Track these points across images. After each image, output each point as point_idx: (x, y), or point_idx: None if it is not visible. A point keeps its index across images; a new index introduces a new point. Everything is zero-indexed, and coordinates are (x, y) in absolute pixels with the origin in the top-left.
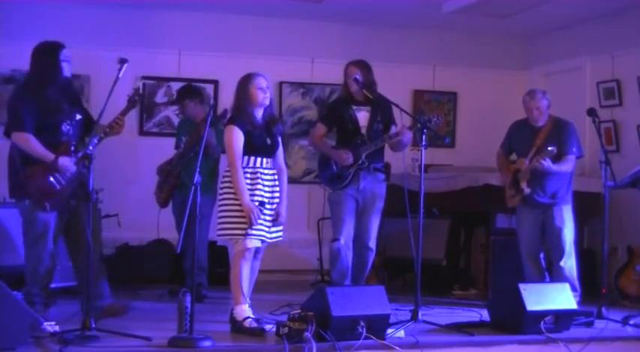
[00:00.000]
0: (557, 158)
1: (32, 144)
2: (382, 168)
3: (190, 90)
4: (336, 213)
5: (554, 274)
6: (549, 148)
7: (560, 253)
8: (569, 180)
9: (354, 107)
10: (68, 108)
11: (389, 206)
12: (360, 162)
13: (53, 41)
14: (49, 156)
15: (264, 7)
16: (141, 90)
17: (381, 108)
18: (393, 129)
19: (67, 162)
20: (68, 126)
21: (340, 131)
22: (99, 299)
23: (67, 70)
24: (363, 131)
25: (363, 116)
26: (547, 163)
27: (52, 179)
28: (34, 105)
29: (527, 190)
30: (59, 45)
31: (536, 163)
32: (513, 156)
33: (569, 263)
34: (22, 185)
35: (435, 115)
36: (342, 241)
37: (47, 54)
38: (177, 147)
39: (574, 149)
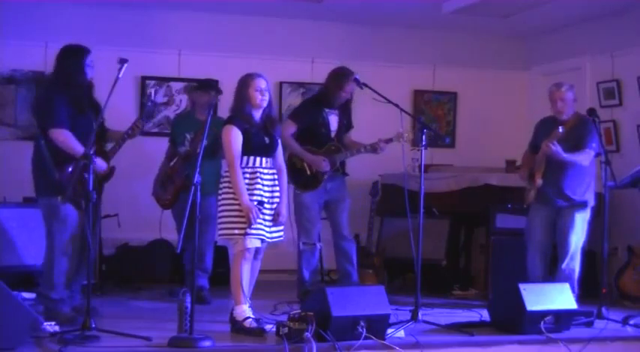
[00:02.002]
0: (574, 150)
1: (71, 142)
2: (343, 168)
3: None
4: (308, 217)
5: (556, 274)
6: (558, 129)
7: (564, 254)
8: (588, 179)
9: (327, 110)
10: (94, 109)
11: (389, 206)
12: (335, 168)
13: (80, 45)
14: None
15: (264, 7)
16: (153, 97)
17: (346, 113)
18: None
19: (101, 163)
20: (95, 127)
21: (310, 133)
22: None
23: (89, 74)
24: (333, 135)
25: (334, 120)
26: (556, 148)
27: (86, 177)
28: (67, 103)
29: (538, 182)
30: (85, 49)
31: (545, 147)
32: None
33: (571, 265)
34: (55, 182)
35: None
36: (317, 244)
37: (73, 56)
38: (174, 142)
39: (593, 144)
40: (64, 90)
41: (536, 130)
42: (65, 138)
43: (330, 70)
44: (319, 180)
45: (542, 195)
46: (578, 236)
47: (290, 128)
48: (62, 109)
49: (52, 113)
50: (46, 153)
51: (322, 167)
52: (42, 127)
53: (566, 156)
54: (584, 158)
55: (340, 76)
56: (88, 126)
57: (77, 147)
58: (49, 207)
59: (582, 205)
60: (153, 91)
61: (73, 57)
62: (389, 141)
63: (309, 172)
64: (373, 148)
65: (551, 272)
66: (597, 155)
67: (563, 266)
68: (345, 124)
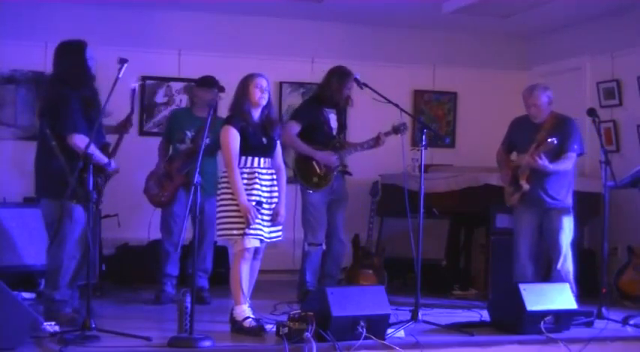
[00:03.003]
0: (557, 155)
1: (92, 146)
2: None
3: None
4: (316, 216)
5: (552, 276)
6: (549, 140)
7: (557, 255)
8: (570, 180)
9: (326, 109)
10: (97, 108)
11: (389, 206)
12: (343, 164)
13: (77, 39)
14: (104, 159)
15: (264, 7)
16: (136, 88)
17: (342, 113)
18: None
19: (115, 165)
20: (98, 126)
21: (314, 132)
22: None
23: (93, 68)
24: (334, 133)
25: (333, 119)
26: (543, 162)
27: (99, 181)
28: (81, 105)
29: (525, 186)
30: (84, 43)
31: (532, 160)
32: (514, 156)
33: (565, 266)
34: (70, 185)
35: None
36: (323, 245)
37: (74, 53)
38: (170, 139)
39: (575, 146)
40: (78, 92)
41: (511, 129)
42: (85, 145)
43: (329, 70)
44: (329, 178)
45: (528, 198)
46: (566, 235)
47: (294, 128)
48: (79, 113)
49: (71, 118)
50: (61, 156)
51: (333, 162)
52: (55, 129)
53: (552, 167)
54: (569, 164)
55: (342, 74)
56: (91, 125)
57: (99, 153)
58: (61, 208)
59: (567, 210)
60: (137, 86)
61: (73, 54)
62: (388, 133)
63: (319, 170)
64: (376, 142)
65: (547, 274)
66: (580, 154)
67: (559, 267)
68: (343, 124)
